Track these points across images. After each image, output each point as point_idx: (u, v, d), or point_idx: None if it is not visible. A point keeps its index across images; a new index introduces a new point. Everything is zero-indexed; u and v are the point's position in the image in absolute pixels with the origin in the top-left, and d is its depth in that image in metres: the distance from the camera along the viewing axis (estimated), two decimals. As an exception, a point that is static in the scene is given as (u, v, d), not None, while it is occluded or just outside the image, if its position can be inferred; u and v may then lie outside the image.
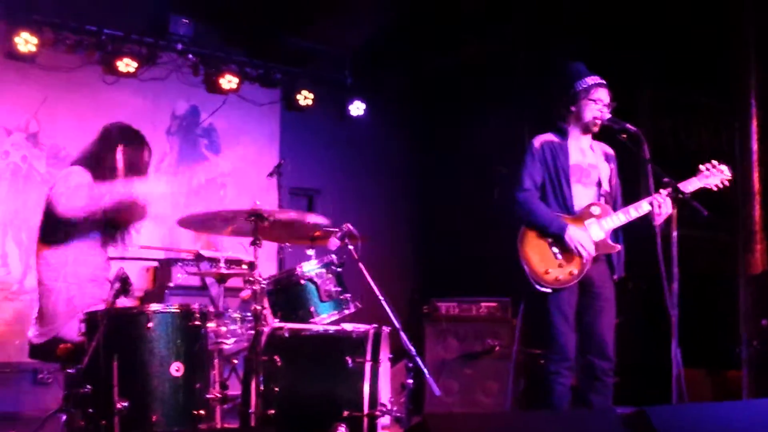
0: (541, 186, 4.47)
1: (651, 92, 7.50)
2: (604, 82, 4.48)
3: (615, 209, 4.46)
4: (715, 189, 4.47)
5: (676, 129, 7.70)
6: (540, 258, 4.37)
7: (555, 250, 4.36)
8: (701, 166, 4.47)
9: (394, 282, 7.38)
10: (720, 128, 7.63)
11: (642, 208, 4.36)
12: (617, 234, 4.49)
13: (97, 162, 4.12)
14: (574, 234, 4.32)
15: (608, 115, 4.42)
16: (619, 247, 4.45)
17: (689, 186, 4.39)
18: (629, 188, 4.77)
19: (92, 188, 3.96)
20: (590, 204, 4.44)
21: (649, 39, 6.87)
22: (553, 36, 7.11)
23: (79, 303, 3.96)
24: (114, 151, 4.17)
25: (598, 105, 4.43)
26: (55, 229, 4.02)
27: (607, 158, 4.59)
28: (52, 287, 3.99)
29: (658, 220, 4.30)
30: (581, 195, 4.46)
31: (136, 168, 4.20)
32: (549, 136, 4.52)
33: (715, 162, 4.48)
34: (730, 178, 4.49)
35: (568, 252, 4.35)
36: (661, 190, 4.30)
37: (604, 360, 4.37)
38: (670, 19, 6.70)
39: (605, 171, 4.54)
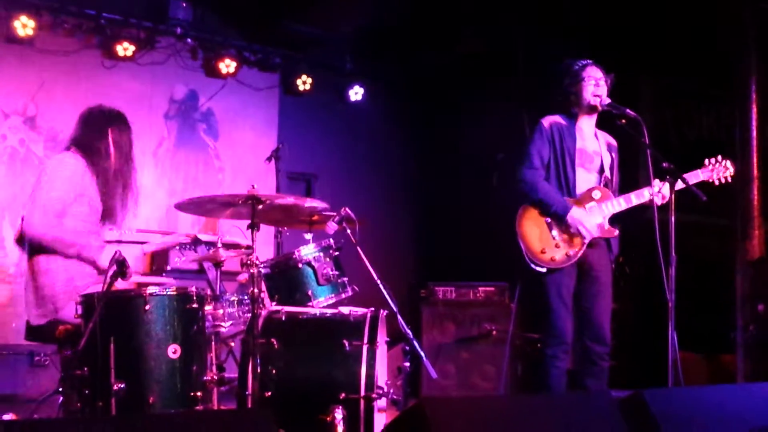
0: (545, 166, 4.50)
1: (651, 81, 7.49)
2: (592, 61, 4.54)
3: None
4: (717, 183, 4.52)
5: (676, 118, 7.70)
6: (537, 237, 4.41)
7: (554, 231, 4.39)
8: (706, 161, 4.53)
9: (392, 266, 7.39)
10: (720, 116, 7.63)
11: (643, 195, 4.41)
12: (614, 222, 4.52)
13: (90, 147, 4.14)
14: (576, 215, 4.36)
15: (608, 100, 4.46)
16: (616, 231, 4.48)
17: (693, 178, 4.46)
18: (628, 174, 4.79)
19: (66, 208, 3.98)
20: (592, 188, 4.48)
21: (649, 28, 6.85)
22: (553, 24, 7.09)
23: (79, 283, 3.96)
24: (105, 135, 4.18)
25: (591, 81, 4.48)
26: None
27: (610, 148, 4.65)
28: (48, 267, 3.99)
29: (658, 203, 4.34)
30: (583, 179, 4.51)
31: (126, 152, 4.22)
32: (557, 118, 4.57)
33: (719, 157, 4.53)
34: (732, 173, 4.55)
35: (566, 233, 4.38)
36: (662, 183, 4.33)
37: (600, 344, 4.40)
38: (669, 8, 6.68)
39: (607, 159, 4.59)
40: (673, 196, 4.29)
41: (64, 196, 3.99)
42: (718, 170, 4.53)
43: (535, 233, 4.41)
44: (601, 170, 4.56)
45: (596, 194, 4.46)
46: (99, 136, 4.18)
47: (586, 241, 4.38)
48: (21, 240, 4.07)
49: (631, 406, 3.25)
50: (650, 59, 7.17)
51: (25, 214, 4.02)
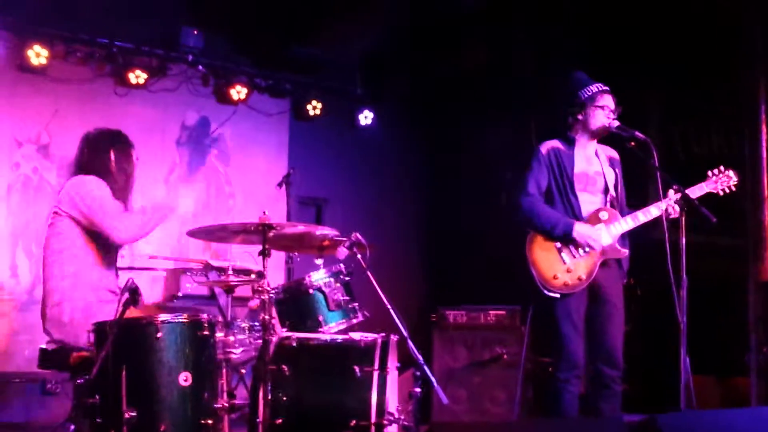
0: (547, 192, 4.49)
1: (660, 98, 7.48)
2: (608, 88, 4.51)
3: (622, 215, 4.48)
4: (722, 194, 4.49)
5: (685, 135, 7.69)
6: (548, 263, 4.38)
7: (564, 255, 4.38)
8: (709, 172, 4.50)
9: (403, 290, 7.37)
10: (730, 134, 7.61)
11: (650, 213, 4.39)
12: (624, 240, 4.50)
13: (95, 169, 4.21)
14: (582, 230, 4.34)
15: (616, 123, 4.45)
16: (626, 252, 4.46)
17: (697, 191, 4.41)
18: (637, 193, 4.78)
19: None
20: (598, 209, 4.46)
21: (658, 44, 6.86)
22: (561, 44, 7.11)
23: (96, 311, 3.98)
24: (107, 155, 4.25)
25: (605, 111, 4.46)
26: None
27: (612, 163, 4.61)
28: (66, 296, 4.01)
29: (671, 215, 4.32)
30: (588, 203, 4.49)
31: (126, 170, 4.30)
32: (555, 143, 4.55)
33: (722, 167, 4.50)
34: (737, 182, 4.51)
35: (576, 256, 4.36)
36: (670, 193, 4.31)
37: (613, 368, 4.36)
38: (678, 25, 6.69)
39: (611, 177, 4.56)
40: (683, 218, 4.28)
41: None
42: (722, 180, 4.48)
43: (546, 259, 4.39)
44: (606, 190, 4.54)
45: (603, 215, 4.45)
46: (102, 157, 4.27)
47: (597, 253, 4.34)
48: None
49: (644, 430, 3.23)
50: (658, 75, 7.16)
51: (112, 232, 4.10)
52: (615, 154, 4.65)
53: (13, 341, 6.43)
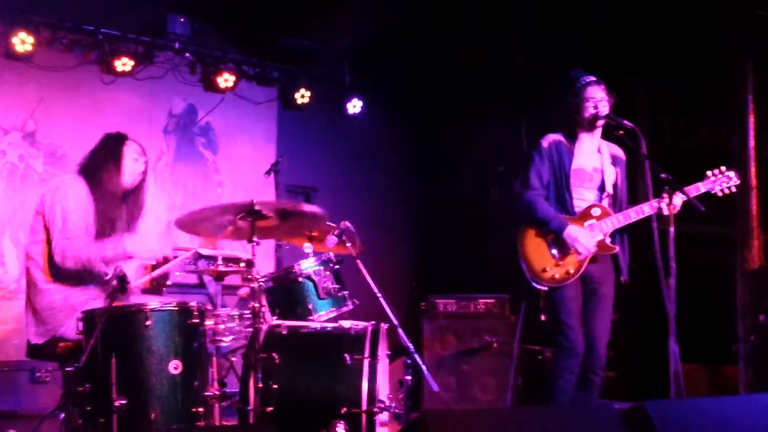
0: (546, 185, 4.50)
1: (649, 90, 7.50)
2: (596, 78, 4.53)
3: (620, 211, 4.49)
4: (720, 194, 4.49)
5: (674, 127, 7.72)
6: (538, 257, 4.41)
7: (553, 250, 4.40)
8: (708, 172, 4.49)
9: (393, 279, 7.39)
10: (718, 125, 7.64)
11: (643, 211, 4.40)
12: (623, 237, 4.51)
13: (95, 171, 4.14)
14: (572, 232, 4.35)
15: (605, 111, 4.46)
16: (617, 248, 4.46)
17: (692, 191, 4.39)
18: (627, 182, 4.79)
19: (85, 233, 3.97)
20: (591, 206, 4.48)
21: (647, 38, 6.88)
22: (552, 36, 7.11)
23: (75, 301, 3.95)
24: (119, 161, 4.19)
25: (592, 102, 4.47)
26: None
27: (615, 161, 4.61)
28: (44, 287, 3.98)
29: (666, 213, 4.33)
30: (582, 198, 4.51)
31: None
32: (557, 137, 4.56)
33: (722, 168, 4.49)
34: (737, 183, 4.51)
35: (565, 251, 4.38)
36: (664, 194, 4.31)
37: (594, 359, 4.39)
38: (666, 17, 6.71)
39: (610, 174, 4.56)
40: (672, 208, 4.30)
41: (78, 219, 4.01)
42: (720, 181, 4.47)
43: (536, 253, 4.42)
44: (602, 187, 4.55)
45: (595, 211, 4.46)
46: (112, 160, 4.19)
47: (581, 258, 4.37)
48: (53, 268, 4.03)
49: (633, 418, 3.24)
50: (648, 67, 7.18)
51: (54, 245, 3.97)
52: (620, 153, 4.65)
53: (1, 330, 6.39)
